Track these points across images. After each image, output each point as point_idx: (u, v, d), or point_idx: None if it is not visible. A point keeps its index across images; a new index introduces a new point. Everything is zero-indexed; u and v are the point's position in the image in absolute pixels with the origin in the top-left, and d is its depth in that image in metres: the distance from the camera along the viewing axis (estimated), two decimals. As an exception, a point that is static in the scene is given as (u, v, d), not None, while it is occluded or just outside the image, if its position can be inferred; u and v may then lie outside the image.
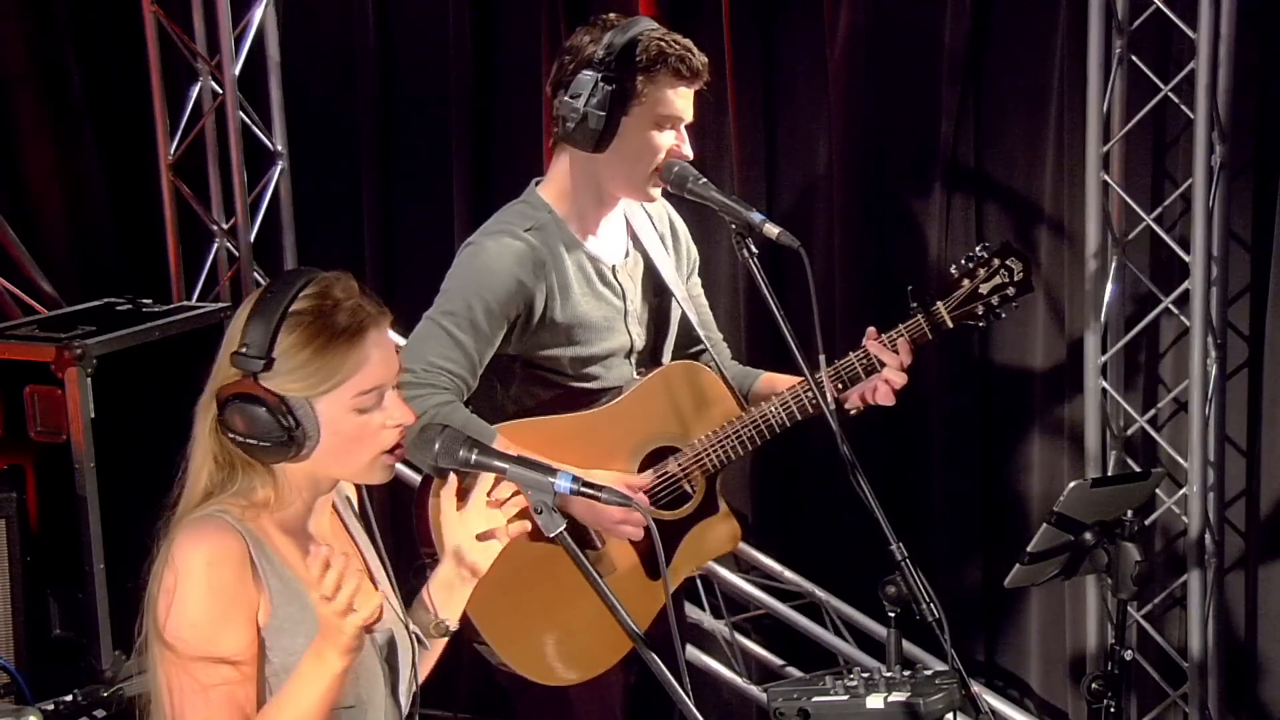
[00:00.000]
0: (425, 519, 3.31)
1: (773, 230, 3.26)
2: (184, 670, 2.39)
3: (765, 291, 3.24)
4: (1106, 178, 4.47)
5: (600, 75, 3.31)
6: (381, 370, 2.46)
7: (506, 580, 3.31)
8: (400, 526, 3.36)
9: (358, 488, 2.67)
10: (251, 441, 2.42)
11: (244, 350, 2.43)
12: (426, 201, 5.32)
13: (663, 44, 3.34)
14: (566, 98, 3.34)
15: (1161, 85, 4.41)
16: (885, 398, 3.49)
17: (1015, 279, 3.51)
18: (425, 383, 3.22)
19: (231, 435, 2.44)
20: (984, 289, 3.49)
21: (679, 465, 3.46)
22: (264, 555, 2.45)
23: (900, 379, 3.46)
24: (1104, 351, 4.55)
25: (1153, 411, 4.64)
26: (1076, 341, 4.62)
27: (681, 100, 3.37)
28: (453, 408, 3.24)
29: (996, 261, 3.50)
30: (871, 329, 3.48)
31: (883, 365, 3.45)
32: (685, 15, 4.86)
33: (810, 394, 3.41)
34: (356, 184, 5.41)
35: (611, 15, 3.42)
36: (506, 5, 5.18)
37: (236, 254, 5.32)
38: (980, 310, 3.50)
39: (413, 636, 2.62)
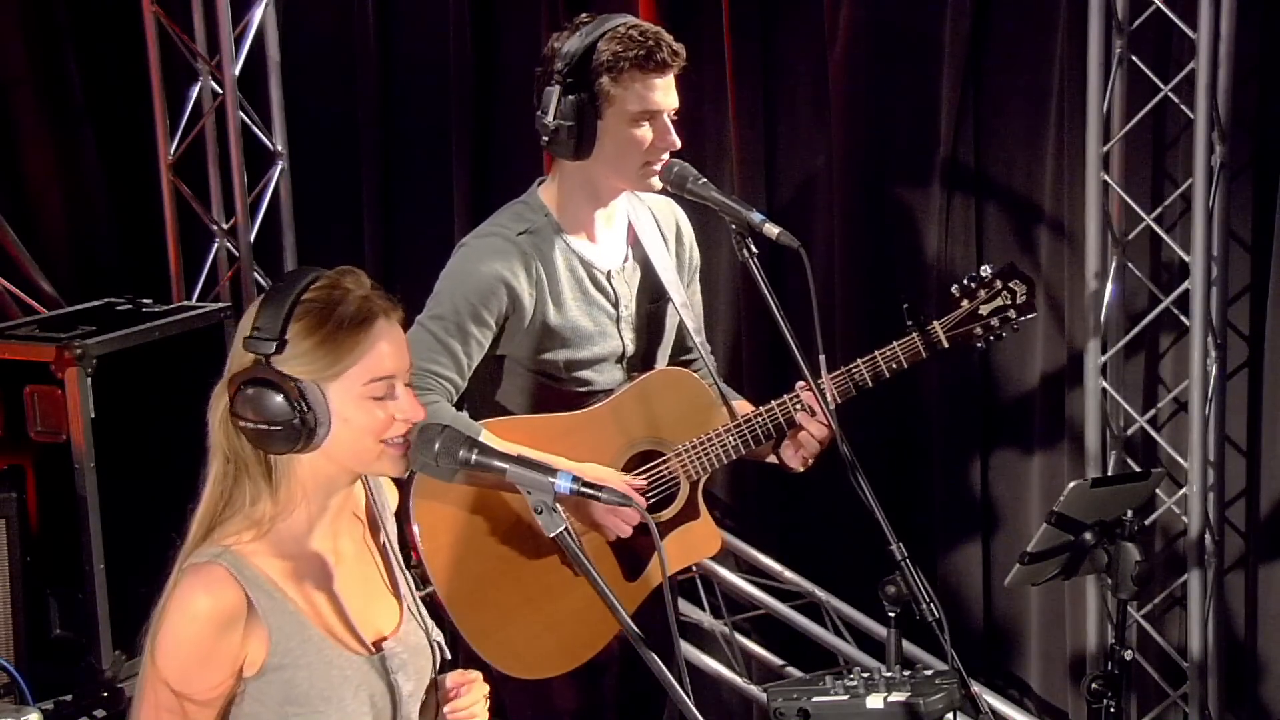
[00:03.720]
0: (409, 521, 3.31)
1: (773, 230, 3.26)
2: (152, 684, 2.43)
3: (765, 292, 3.24)
4: (1106, 178, 4.47)
5: (560, 87, 3.30)
6: (392, 360, 2.46)
7: (485, 574, 3.32)
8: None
9: (369, 506, 2.65)
10: (263, 427, 2.41)
11: (256, 334, 2.42)
12: (426, 201, 5.32)
13: (626, 40, 3.30)
14: (539, 112, 3.34)
15: (1161, 85, 4.41)
16: (796, 458, 3.46)
17: (1017, 301, 3.48)
18: (414, 386, 3.22)
19: (243, 423, 2.42)
20: (984, 310, 3.47)
21: (667, 469, 3.46)
22: (264, 595, 2.44)
23: (822, 431, 3.40)
24: (1104, 351, 4.55)
25: (1153, 411, 4.64)
26: (1076, 341, 4.62)
27: (656, 93, 3.34)
28: (439, 408, 3.24)
29: (999, 283, 3.47)
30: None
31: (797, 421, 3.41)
32: (685, 15, 4.86)
33: (797, 404, 3.41)
34: (356, 184, 5.41)
35: (583, 16, 3.40)
36: (506, 5, 5.18)
37: (236, 254, 5.32)
38: (979, 331, 3.47)
39: (434, 645, 2.62)
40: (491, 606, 3.34)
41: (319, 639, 2.46)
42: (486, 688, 2.65)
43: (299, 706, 2.45)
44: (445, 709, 2.63)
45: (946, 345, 3.46)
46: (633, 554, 3.43)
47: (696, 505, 3.51)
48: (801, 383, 3.37)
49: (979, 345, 3.51)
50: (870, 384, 3.44)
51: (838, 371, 3.43)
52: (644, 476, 3.44)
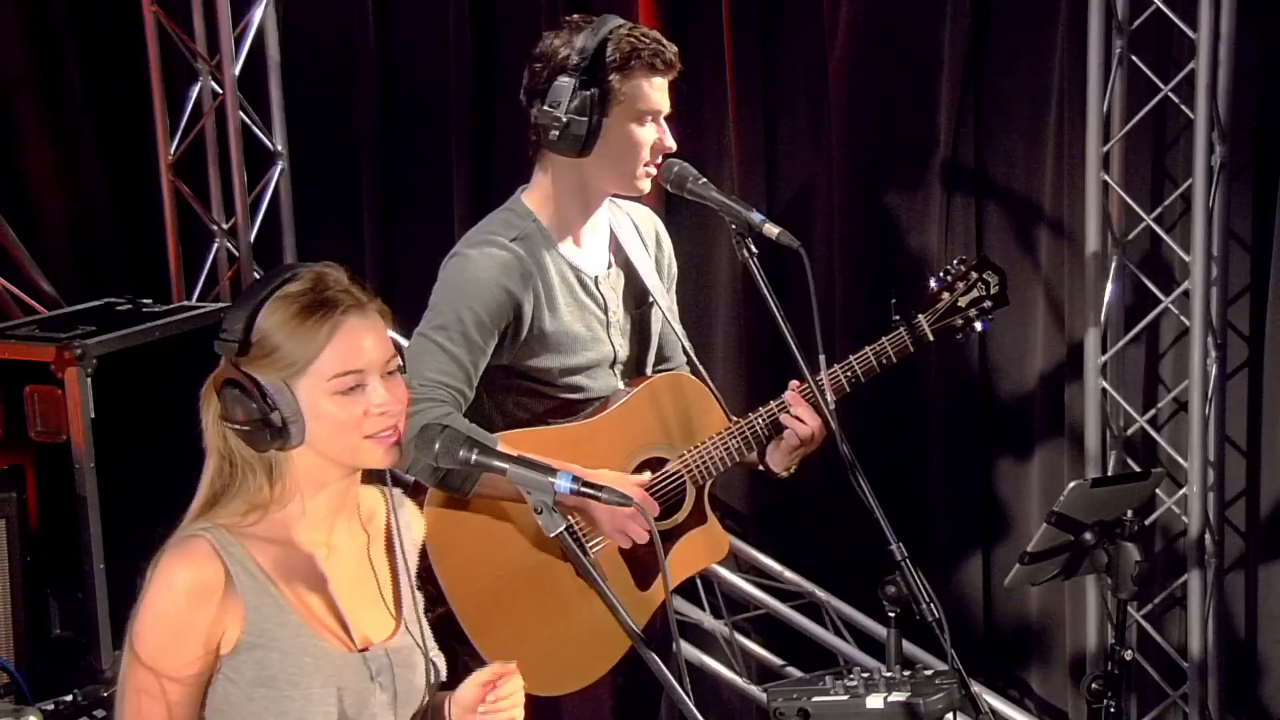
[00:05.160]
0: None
1: (772, 230, 3.26)
2: (131, 667, 2.45)
3: (765, 291, 3.24)
4: (1106, 178, 4.47)
5: (577, 80, 3.31)
6: (359, 354, 2.44)
7: (500, 590, 3.31)
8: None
9: (387, 524, 2.65)
10: (238, 427, 2.43)
11: (222, 336, 2.44)
12: (426, 201, 5.32)
13: (634, 39, 3.33)
14: (545, 106, 3.33)
15: (1161, 85, 4.42)
16: (783, 463, 3.46)
17: (991, 292, 3.52)
18: (423, 397, 3.21)
19: (228, 424, 2.45)
20: (962, 302, 3.51)
21: (674, 474, 3.46)
22: (246, 573, 2.44)
23: (809, 426, 3.40)
24: (1104, 351, 4.55)
25: (1153, 411, 4.64)
26: (1076, 341, 4.62)
27: (658, 93, 3.37)
28: (452, 419, 3.23)
29: (974, 275, 3.52)
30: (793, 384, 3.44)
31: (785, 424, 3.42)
32: (685, 16, 4.87)
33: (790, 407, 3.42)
34: (356, 184, 5.41)
35: (576, 16, 3.42)
36: (506, 5, 5.18)
37: (236, 254, 5.32)
38: (959, 323, 3.51)
39: (430, 664, 2.61)
40: (507, 623, 3.33)
41: (297, 624, 2.46)
42: (523, 682, 2.60)
43: (268, 689, 2.46)
44: (482, 705, 2.58)
45: (932, 338, 3.49)
46: (645, 566, 3.43)
47: (704, 510, 3.51)
48: (795, 382, 3.38)
49: (958, 337, 3.54)
50: (862, 380, 3.45)
51: (831, 369, 3.43)
52: (653, 476, 3.44)
